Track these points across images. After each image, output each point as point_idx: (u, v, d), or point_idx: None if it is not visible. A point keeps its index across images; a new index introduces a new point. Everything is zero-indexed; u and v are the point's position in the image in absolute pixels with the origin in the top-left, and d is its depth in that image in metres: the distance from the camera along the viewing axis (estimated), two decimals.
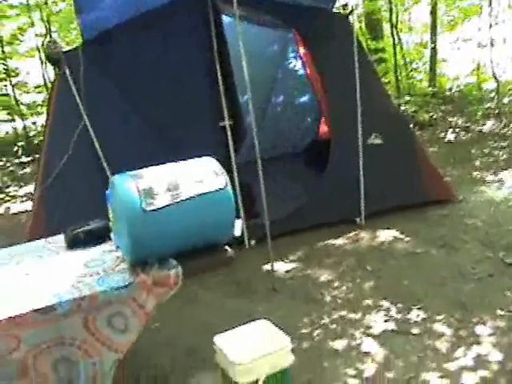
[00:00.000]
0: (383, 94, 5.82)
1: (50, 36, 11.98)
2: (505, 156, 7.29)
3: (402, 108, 9.67)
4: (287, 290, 4.13)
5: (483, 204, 5.57)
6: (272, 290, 4.12)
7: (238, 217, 2.48)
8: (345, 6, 5.72)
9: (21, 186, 8.88)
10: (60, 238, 2.80)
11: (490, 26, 9.49)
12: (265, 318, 2.77)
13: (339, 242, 4.98)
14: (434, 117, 10.01)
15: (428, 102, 10.81)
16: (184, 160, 2.65)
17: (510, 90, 10.51)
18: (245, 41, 4.21)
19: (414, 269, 4.27)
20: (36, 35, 11.95)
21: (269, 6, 5.20)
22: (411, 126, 6.99)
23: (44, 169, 4.67)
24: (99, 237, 2.65)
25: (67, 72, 4.55)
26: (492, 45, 9.64)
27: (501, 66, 10.57)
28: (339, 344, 3.34)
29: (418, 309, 3.64)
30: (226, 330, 2.68)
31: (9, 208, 7.75)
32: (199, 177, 2.27)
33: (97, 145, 4.58)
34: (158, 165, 3.26)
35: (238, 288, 4.21)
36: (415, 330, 3.40)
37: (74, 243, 2.65)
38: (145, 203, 2.14)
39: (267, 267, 4.38)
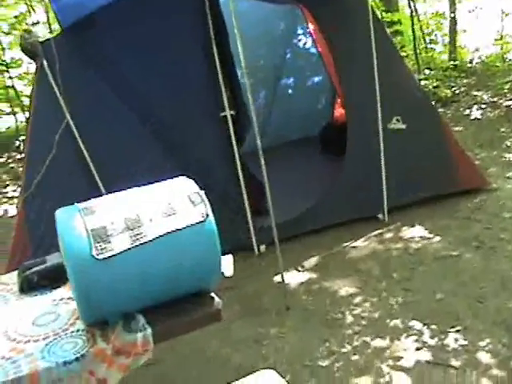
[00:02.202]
0: (405, 73, 5.17)
1: (49, 24, 11.43)
2: None
3: (422, 83, 8.95)
4: (301, 309, 3.56)
5: None
6: (284, 308, 3.56)
7: (228, 252, 1.92)
8: None
9: (20, 186, 8.29)
10: (14, 277, 2.26)
11: None
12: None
13: (360, 243, 4.39)
14: (457, 92, 9.29)
15: (449, 76, 10.06)
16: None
17: None
18: (248, 19, 3.62)
19: (447, 278, 3.67)
20: (34, 23, 11.35)
21: None
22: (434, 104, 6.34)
23: (27, 171, 4.16)
24: (57, 278, 2.10)
25: (45, 64, 4.04)
26: None
27: None
28: (363, 382, 2.78)
29: (456, 331, 3.05)
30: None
31: (6, 210, 7.20)
32: (170, 207, 1.69)
33: (82, 146, 4.07)
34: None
35: (245, 307, 3.65)
36: (455, 362, 2.81)
37: (26, 287, 2.11)
38: (95, 249, 1.58)
39: (278, 279, 3.82)
